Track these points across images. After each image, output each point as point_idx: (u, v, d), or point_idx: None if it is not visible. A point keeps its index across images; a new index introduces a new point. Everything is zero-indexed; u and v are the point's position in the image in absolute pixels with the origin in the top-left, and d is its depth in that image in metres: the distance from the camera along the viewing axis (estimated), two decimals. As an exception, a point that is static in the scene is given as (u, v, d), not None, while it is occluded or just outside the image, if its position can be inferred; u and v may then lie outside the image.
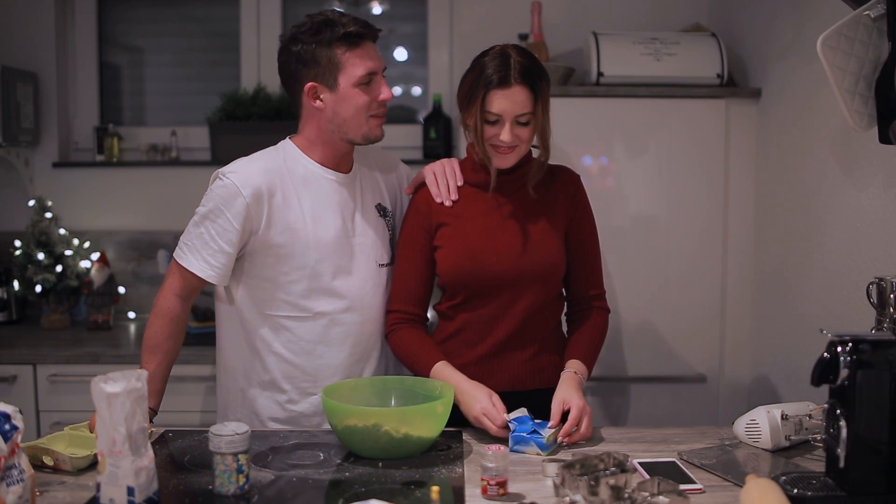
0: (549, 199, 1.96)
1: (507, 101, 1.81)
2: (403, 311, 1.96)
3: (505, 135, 1.83)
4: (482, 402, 1.77)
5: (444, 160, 2.03)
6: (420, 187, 2.00)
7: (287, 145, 1.96)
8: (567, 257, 1.98)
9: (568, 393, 1.82)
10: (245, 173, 1.86)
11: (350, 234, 1.94)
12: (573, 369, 1.90)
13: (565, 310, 2.06)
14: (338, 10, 1.89)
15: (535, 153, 1.95)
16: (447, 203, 1.95)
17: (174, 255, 1.90)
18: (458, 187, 1.98)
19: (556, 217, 1.96)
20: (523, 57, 1.84)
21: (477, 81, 1.84)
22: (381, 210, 2.03)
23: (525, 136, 1.86)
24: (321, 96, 1.88)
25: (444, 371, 1.86)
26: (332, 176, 1.94)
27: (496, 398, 1.79)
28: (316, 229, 1.89)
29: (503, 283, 1.91)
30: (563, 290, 2.04)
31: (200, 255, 1.86)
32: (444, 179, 1.98)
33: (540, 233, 1.93)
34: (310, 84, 1.87)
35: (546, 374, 1.95)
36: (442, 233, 1.95)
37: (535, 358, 1.95)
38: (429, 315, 2.03)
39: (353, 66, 1.84)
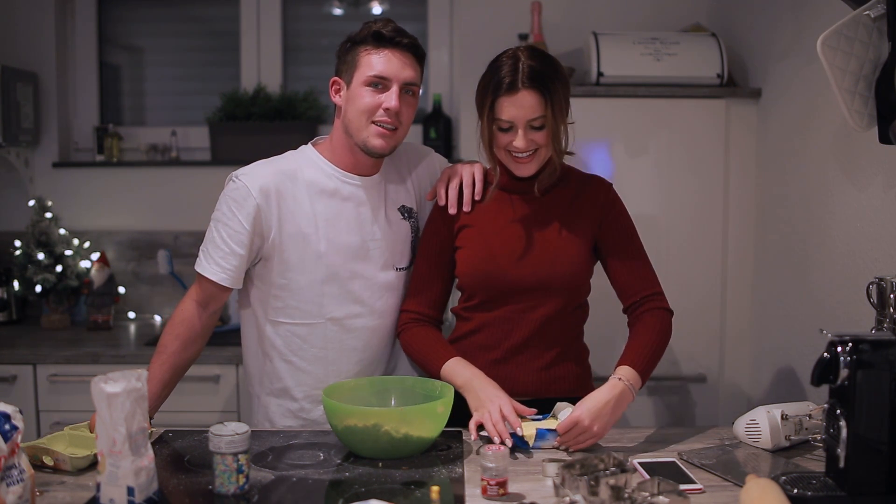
0: (576, 207, 1.90)
1: (516, 108, 1.76)
2: (417, 311, 1.93)
3: (519, 141, 1.77)
4: (497, 405, 1.71)
5: (469, 165, 1.97)
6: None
7: (306, 150, 1.94)
8: (607, 265, 1.92)
9: (587, 406, 1.71)
10: (257, 174, 1.85)
11: (367, 237, 1.91)
12: (618, 376, 1.77)
13: (626, 321, 1.94)
14: (389, 19, 1.86)
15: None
16: (451, 211, 1.91)
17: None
18: (480, 192, 1.92)
19: (582, 226, 1.89)
20: (534, 60, 1.78)
21: (486, 88, 1.79)
22: (406, 212, 1.99)
23: (542, 141, 1.79)
24: (340, 93, 1.88)
25: (455, 367, 1.82)
26: (352, 180, 1.91)
27: (513, 404, 1.74)
28: (329, 234, 1.87)
29: (522, 288, 1.86)
30: (619, 298, 1.93)
31: (213, 259, 1.85)
32: (457, 182, 1.93)
33: (564, 240, 1.88)
34: (333, 78, 1.89)
35: (562, 384, 1.91)
36: (464, 234, 1.92)
37: (551, 367, 1.90)
38: (444, 317, 2.00)
39: (367, 66, 1.81)
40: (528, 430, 1.73)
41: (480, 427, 1.73)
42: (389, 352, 2.00)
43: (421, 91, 1.93)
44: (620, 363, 1.81)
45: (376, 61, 1.82)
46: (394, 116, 1.83)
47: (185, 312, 1.90)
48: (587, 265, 1.91)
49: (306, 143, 1.97)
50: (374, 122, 1.83)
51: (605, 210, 1.92)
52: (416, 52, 1.86)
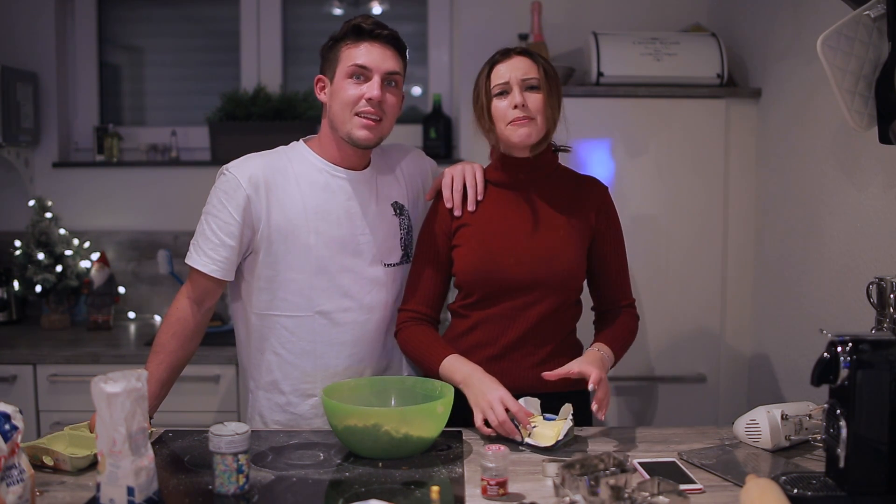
0: (573, 207, 1.94)
1: (510, 68, 1.85)
2: (414, 310, 1.94)
3: (516, 97, 1.83)
4: (498, 397, 1.73)
5: (469, 164, 1.99)
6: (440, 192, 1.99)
7: (297, 144, 1.97)
8: (594, 269, 1.97)
9: (584, 363, 1.78)
10: (246, 166, 1.87)
11: (357, 232, 1.93)
12: (597, 347, 1.87)
13: (594, 318, 2.03)
14: (368, 15, 1.91)
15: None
16: (457, 213, 1.94)
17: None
18: (482, 192, 1.96)
19: (579, 226, 1.93)
20: (525, 47, 1.92)
21: (482, 69, 1.89)
22: (398, 208, 2.00)
23: (537, 104, 1.84)
24: (325, 90, 1.91)
25: (454, 363, 1.84)
26: (342, 174, 1.92)
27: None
28: (318, 226, 1.89)
29: (518, 286, 1.89)
30: (595, 300, 2.02)
31: (203, 251, 1.86)
32: (460, 184, 1.95)
33: (561, 240, 1.91)
34: (318, 76, 1.92)
35: (557, 380, 1.92)
36: (461, 233, 1.94)
37: (545, 363, 1.91)
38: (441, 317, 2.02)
39: (347, 59, 1.85)
40: (548, 431, 1.74)
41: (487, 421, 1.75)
42: (380, 349, 2.00)
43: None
44: (598, 341, 1.92)
45: (356, 53, 1.85)
46: (376, 106, 1.85)
47: (180, 311, 1.90)
48: (584, 263, 1.95)
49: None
50: (357, 114, 1.85)
51: (600, 214, 1.96)
52: (396, 44, 1.90)
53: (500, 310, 1.91)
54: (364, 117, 1.85)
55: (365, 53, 1.85)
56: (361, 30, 1.85)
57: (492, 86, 1.86)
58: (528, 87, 1.85)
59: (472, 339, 1.94)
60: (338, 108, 1.87)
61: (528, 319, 1.90)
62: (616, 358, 1.90)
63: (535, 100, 1.85)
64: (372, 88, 1.84)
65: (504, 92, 1.85)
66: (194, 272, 1.88)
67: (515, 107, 1.83)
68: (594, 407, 1.73)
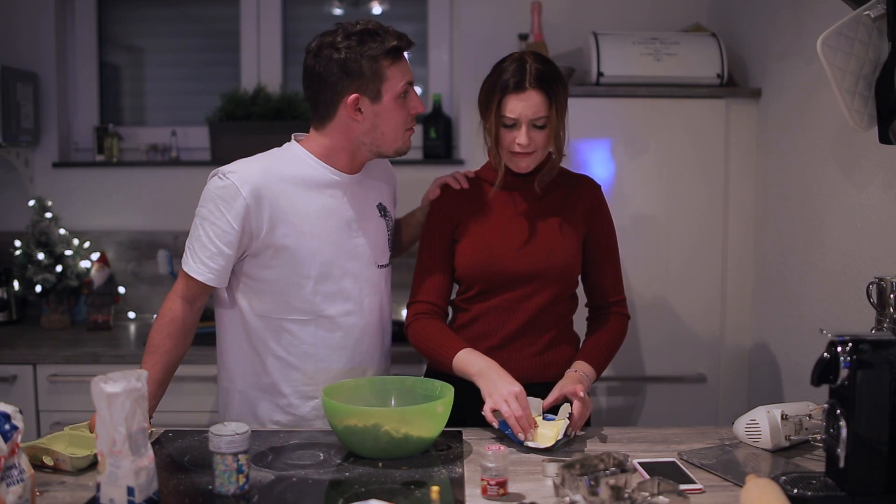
0: (568, 204, 2.00)
1: (522, 105, 1.85)
2: (425, 301, 1.98)
3: (521, 138, 1.87)
4: (513, 393, 1.74)
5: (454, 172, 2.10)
6: (443, 189, 2.06)
7: (291, 146, 1.94)
8: (586, 264, 2.03)
9: (566, 384, 1.85)
10: (245, 173, 1.83)
11: (354, 234, 1.93)
12: (575, 368, 1.92)
13: (586, 315, 2.09)
14: (376, 21, 1.89)
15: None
16: (465, 185, 2.02)
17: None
18: (479, 187, 2.04)
19: (573, 222, 1.99)
20: (540, 63, 1.89)
21: (494, 87, 1.89)
22: (382, 209, 2.03)
23: (541, 141, 1.89)
24: (362, 108, 1.85)
25: (468, 356, 1.86)
26: (339, 177, 1.92)
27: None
28: (319, 231, 1.88)
29: (517, 279, 1.94)
30: (587, 296, 2.08)
31: (199, 259, 1.85)
32: (459, 176, 2.06)
33: (556, 234, 1.97)
34: (354, 96, 1.83)
35: (555, 369, 1.96)
36: (462, 228, 2.00)
37: (544, 353, 1.98)
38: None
39: (395, 79, 1.85)
40: (547, 431, 1.76)
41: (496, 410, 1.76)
42: (379, 352, 2.01)
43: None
44: (580, 358, 1.95)
45: (404, 71, 1.87)
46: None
47: (173, 311, 1.90)
48: (579, 256, 2.00)
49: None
50: (407, 129, 1.92)
51: (593, 211, 2.03)
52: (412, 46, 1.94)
53: (499, 301, 1.96)
54: (411, 129, 1.93)
55: (408, 70, 1.89)
56: (400, 48, 1.86)
57: (501, 114, 1.87)
58: (535, 126, 1.87)
59: (473, 331, 1.98)
60: (390, 127, 1.88)
61: (527, 310, 1.95)
62: (598, 372, 1.96)
63: (540, 136, 1.89)
64: (419, 103, 1.91)
65: (513, 125, 1.88)
66: (189, 276, 1.87)
67: (520, 143, 1.88)
68: (572, 428, 1.77)
